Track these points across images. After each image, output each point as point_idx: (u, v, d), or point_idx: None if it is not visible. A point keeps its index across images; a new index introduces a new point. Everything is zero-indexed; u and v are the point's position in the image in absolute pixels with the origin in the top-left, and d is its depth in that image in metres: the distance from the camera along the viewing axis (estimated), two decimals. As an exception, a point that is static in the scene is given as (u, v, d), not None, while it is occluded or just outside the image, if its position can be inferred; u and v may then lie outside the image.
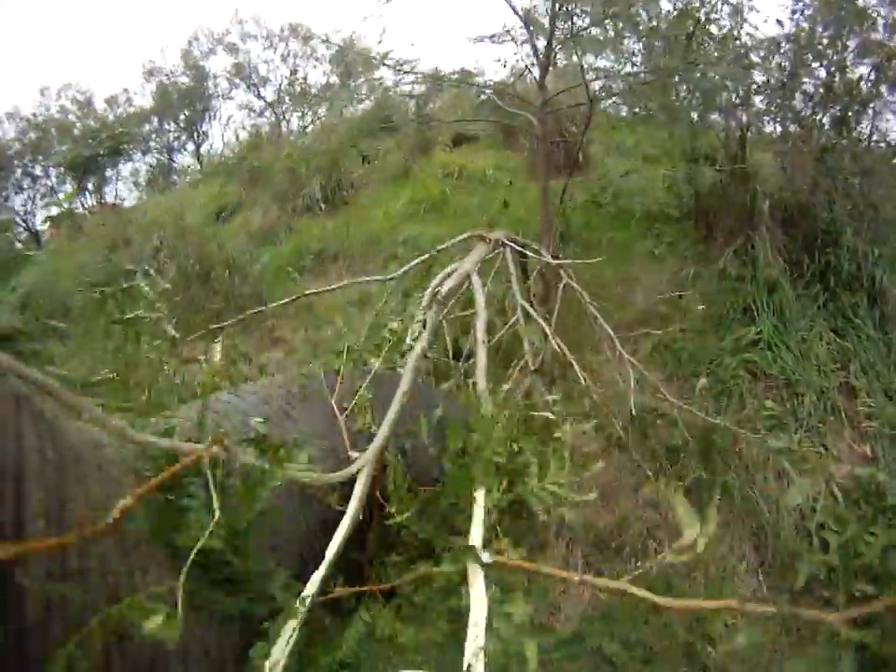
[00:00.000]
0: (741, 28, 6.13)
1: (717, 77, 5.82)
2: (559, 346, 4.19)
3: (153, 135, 15.81)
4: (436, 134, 8.99)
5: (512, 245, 4.71)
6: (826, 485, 5.06)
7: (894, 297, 6.18)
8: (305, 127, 13.79)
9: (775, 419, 5.20)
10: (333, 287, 4.54)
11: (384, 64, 6.82)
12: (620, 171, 7.81)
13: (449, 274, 3.72)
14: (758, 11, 6.09)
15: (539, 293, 5.79)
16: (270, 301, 6.65)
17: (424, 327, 2.95)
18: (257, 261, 7.16)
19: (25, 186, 14.94)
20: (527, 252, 4.86)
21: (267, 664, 1.12)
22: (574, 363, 4.04)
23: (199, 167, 15.58)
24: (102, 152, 13.50)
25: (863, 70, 6.21)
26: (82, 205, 14.41)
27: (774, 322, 5.65)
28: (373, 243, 7.58)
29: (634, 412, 4.54)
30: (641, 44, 6.50)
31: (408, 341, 3.22)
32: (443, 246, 4.20)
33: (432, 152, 8.86)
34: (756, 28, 6.16)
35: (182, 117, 16.04)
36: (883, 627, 1.35)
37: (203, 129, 16.36)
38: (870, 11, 5.87)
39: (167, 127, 16.22)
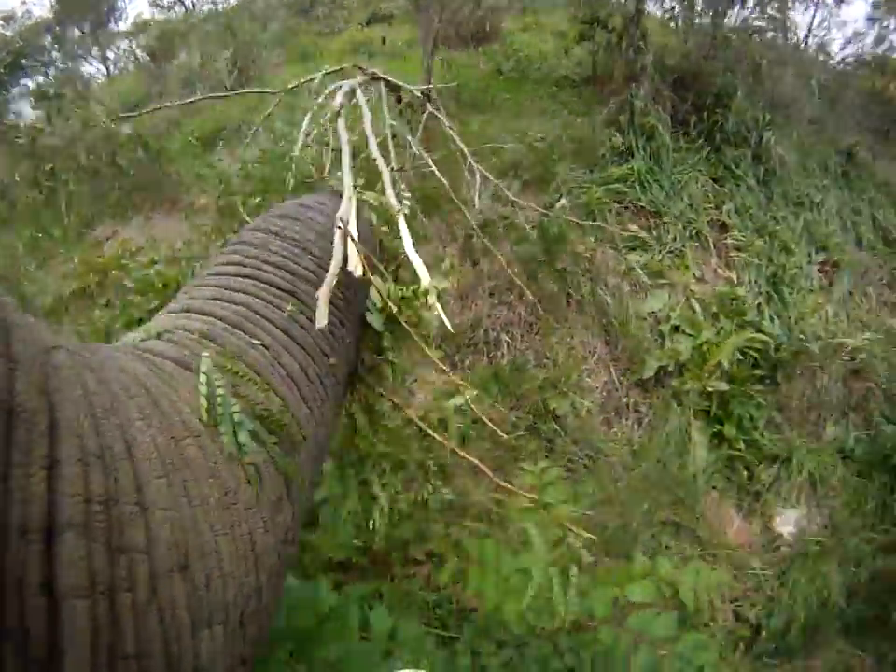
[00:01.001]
0: None
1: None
2: (420, 152, 4.28)
3: (55, 45, 14.32)
4: (349, 14, 9.16)
5: (387, 78, 4.86)
6: (686, 299, 5.19)
7: (779, 156, 6.29)
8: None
9: (637, 240, 5.36)
10: (230, 94, 4.77)
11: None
12: (525, 42, 8.02)
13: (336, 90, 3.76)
14: None
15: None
16: (180, 175, 6.92)
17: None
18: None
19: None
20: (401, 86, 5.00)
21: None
22: (434, 169, 4.11)
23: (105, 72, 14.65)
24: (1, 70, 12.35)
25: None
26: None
27: (650, 164, 5.74)
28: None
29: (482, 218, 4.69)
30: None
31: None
32: (329, 71, 4.31)
33: (344, 31, 9.03)
34: None
35: (87, 23, 14.46)
36: None
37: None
38: None
39: (71, 35, 14.92)
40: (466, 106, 6.84)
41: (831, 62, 9.83)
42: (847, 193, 7.15)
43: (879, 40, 10.18)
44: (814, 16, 10.76)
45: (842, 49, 10.35)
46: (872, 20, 9.87)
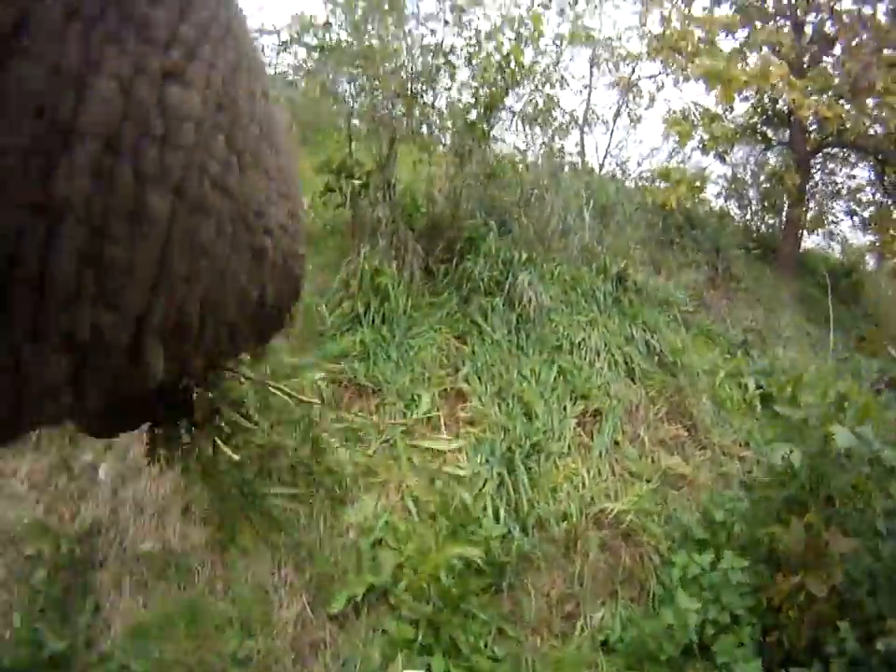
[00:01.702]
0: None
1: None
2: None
3: None
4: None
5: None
6: (401, 499, 4.75)
7: (533, 299, 6.03)
8: None
9: (350, 431, 4.88)
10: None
11: None
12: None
13: None
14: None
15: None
16: None
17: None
18: None
19: None
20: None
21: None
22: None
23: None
24: None
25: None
26: None
27: (381, 332, 5.33)
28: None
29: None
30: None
31: None
32: None
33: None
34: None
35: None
36: None
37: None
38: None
39: None
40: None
41: (627, 182, 10.06)
42: (617, 322, 6.98)
43: (674, 153, 10.57)
44: (611, 137, 11.15)
45: (639, 164, 10.71)
46: (667, 136, 10.15)
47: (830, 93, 10.18)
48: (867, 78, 9.42)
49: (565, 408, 5.92)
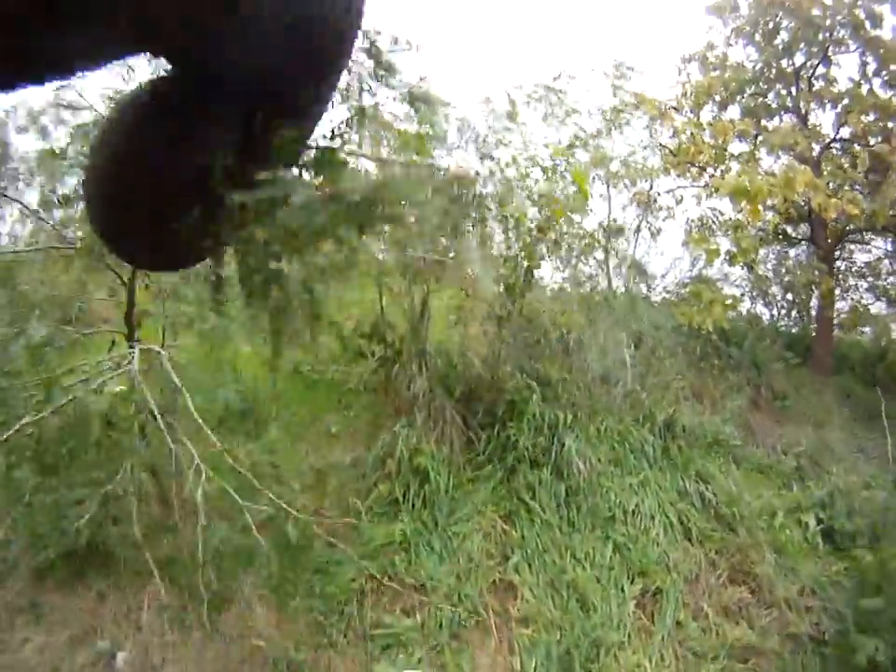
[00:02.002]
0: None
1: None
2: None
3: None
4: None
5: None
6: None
7: (581, 468, 5.58)
8: None
9: (394, 637, 4.39)
10: None
11: None
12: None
13: None
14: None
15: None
16: None
17: None
18: None
19: None
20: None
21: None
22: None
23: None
24: None
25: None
26: None
27: (422, 519, 4.89)
28: None
29: None
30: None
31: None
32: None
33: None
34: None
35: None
36: None
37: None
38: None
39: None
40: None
41: (654, 298, 9.84)
42: (669, 476, 6.53)
43: (695, 262, 10.37)
44: (633, 254, 11.02)
45: (662, 277, 10.50)
46: (686, 244, 10.00)
47: (848, 187, 10.08)
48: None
49: (622, 589, 5.41)
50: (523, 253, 5.82)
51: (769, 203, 10.55)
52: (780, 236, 12.24)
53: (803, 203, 10.73)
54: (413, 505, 5.21)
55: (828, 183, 9.82)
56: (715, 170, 10.98)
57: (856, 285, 13.60)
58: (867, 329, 13.51)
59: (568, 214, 5.74)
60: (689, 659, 5.26)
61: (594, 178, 8.99)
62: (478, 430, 5.86)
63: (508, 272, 5.78)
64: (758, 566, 6.15)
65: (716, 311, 8.94)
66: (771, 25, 11.66)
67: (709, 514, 6.49)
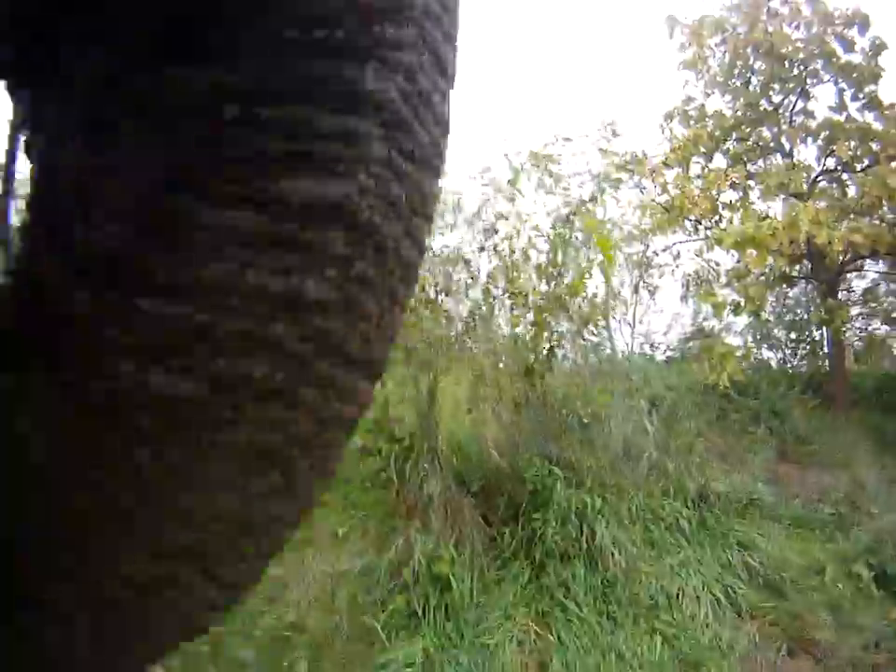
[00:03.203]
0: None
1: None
2: None
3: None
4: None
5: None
6: None
7: (616, 558, 5.03)
8: None
9: None
10: None
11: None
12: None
13: None
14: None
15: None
16: None
17: None
18: None
19: None
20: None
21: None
22: None
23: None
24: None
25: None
26: None
27: (445, 633, 4.38)
28: None
29: None
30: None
31: None
32: None
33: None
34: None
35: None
36: None
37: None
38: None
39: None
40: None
41: (658, 356, 9.57)
42: (709, 550, 6.02)
43: (695, 316, 10.15)
44: (634, 313, 10.81)
45: (665, 334, 10.26)
46: (684, 297, 9.79)
47: (845, 218, 9.85)
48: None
49: (674, 684, 4.83)
50: (543, 334, 5.46)
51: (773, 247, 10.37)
52: (782, 278, 12.00)
53: (803, 243, 10.54)
54: (435, 617, 4.68)
55: (828, 218, 9.58)
56: (710, 221, 10.82)
57: (859, 313, 13.33)
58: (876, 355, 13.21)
59: (588, 282, 5.40)
60: None
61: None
62: (500, 526, 5.38)
63: (526, 353, 5.42)
64: (816, 630, 5.63)
65: (730, 365, 8.58)
66: (745, 69, 11.70)
67: (757, 584, 6.01)
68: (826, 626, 5.64)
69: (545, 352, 5.38)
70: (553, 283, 5.67)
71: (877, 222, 9.61)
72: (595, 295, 6.44)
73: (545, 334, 5.40)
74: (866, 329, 13.13)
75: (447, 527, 5.06)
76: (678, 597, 5.42)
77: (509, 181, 6.05)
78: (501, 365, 5.66)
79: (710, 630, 5.32)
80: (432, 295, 5.82)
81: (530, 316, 5.65)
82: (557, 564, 5.16)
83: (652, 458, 6.46)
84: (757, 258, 8.65)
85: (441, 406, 5.61)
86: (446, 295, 5.97)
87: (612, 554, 5.23)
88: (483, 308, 5.73)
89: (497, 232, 5.94)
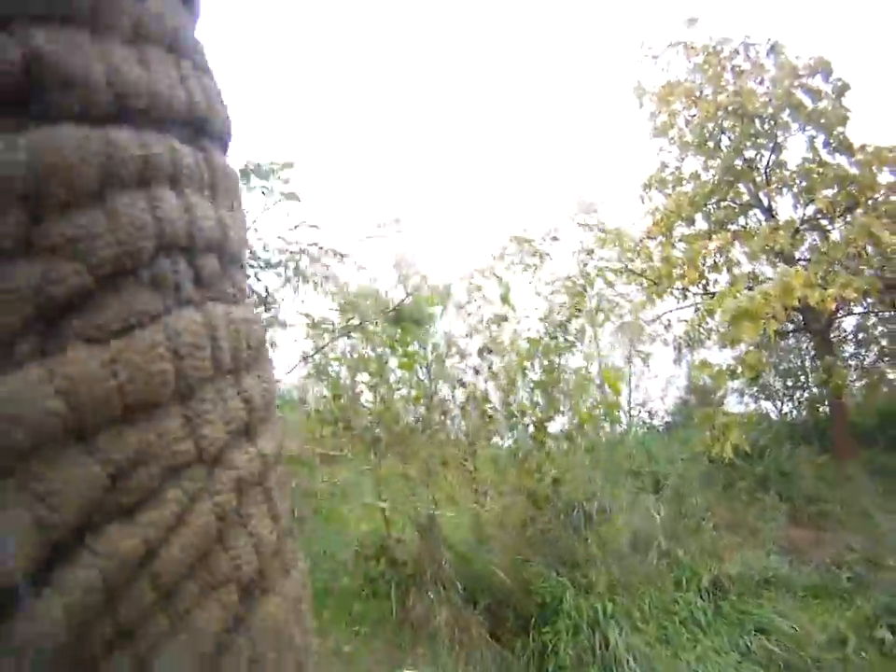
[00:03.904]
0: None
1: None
2: None
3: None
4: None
5: None
6: None
7: (629, 661, 4.87)
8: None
9: None
10: None
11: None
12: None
13: None
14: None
15: None
16: None
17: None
18: None
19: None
20: None
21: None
22: None
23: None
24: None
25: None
26: None
27: None
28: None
29: None
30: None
31: None
32: None
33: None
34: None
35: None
36: None
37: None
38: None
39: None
40: None
41: (656, 422, 9.51)
42: (725, 639, 5.84)
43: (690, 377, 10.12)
44: (629, 382, 10.81)
45: (662, 398, 10.22)
46: (677, 361, 9.77)
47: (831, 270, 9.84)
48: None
49: None
50: (550, 464, 5.42)
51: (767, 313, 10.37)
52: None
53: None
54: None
55: (816, 273, 9.59)
56: (698, 287, 10.88)
57: (854, 353, 13.26)
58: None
59: (599, 417, 5.40)
60: None
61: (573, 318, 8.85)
62: (511, 640, 5.24)
63: (532, 483, 5.37)
64: None
65: (733, 435, 8.47)
66: (716, 130, 11.88)
67: (778, 667, 5.73)
68: None
69: (550, 481, 5.32)
70: (551, 394, 5.67)
71: (864, 269, 9.58)
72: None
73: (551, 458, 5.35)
74: (861, 365, 13.02)
75: (454, 646, 4.93)
76: (700, 698, 5.23)
77: (501, 296, 6.12)
78: (504, 487, 5.61)
79: (738, 729, 5.13)
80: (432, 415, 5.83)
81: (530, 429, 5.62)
82: (572, 676, 5.01)
83: (662, 547, 6.33)
84: (751, 328, 8.61)
85: (443, 527, 5.54)
86: (443, 415, 5.98)
87: (627, 661, 5.06)
88: (481, 430, 5.72)
89: (490, 352, 5.96)
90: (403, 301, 5.70)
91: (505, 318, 5.76)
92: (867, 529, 8.56)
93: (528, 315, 6.52)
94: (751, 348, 9.44)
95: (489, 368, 5.60)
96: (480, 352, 5.68)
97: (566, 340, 5.83)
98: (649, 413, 10.55)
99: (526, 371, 5.61)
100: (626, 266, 10.43)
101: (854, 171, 10.50)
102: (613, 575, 5.73)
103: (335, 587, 6.36)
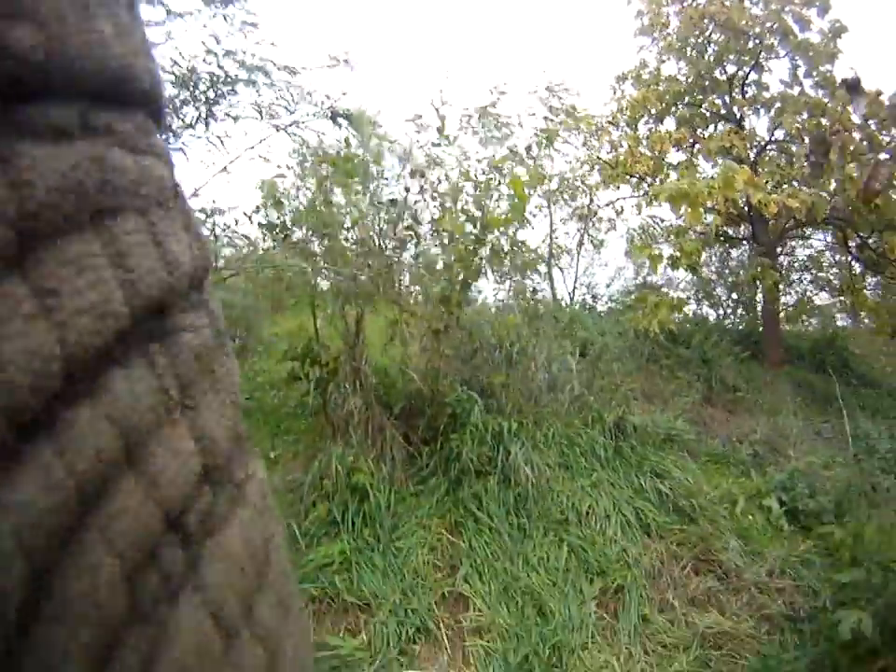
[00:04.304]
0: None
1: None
2: None
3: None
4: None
5: None
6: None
7: (529, 476, 5.23)
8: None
9: (339, 658, 4.02)
10: None
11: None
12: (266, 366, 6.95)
13: None
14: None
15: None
16: None
17: None
18: None
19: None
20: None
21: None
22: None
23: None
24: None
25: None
26: None
27: (363, 538, 4.56)
28: None
29: None
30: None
31: None
32: None
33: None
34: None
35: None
36: None
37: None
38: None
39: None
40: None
41: (599, 307, 9.75)
42: (622, 475, 6.26)
43: (640, 270, 10.33)
44: (577, 267, 10.97)
45: (607, 287, 10.44)
46: (629, 254, 9.91)
47: (790, 185, 10.04)
48: (872, 189, 9.23)
49: (581, 590, 5.05)
50: (459, 265, 5.59)
51: (710, 205, 10.57)
52: (722, 238, 12.21)
53: (742, 204, 10.75)
54: (353, 524, 4.87)
55: (766, 182, 9.76)
56: (654, 179, 10.98)
57: (799, 278, 13.67)
58: (813, 321, 13.57)
59: (505, 222, 5.52)
60: (659, 652, 4.87)
61: (531, 194, 8.90)
62: (420, 445, 5.56)
63: (443, 285, 5.55)
64: (722, 553, 5.86)
65: (661, 313, 8.79)
66: (701, 39, 11.74)
67: (667, 509, 6.18)
68: (733, 551, 5.87)
69: (460, 282, 5.50)
70: (478, 223, 5.78)
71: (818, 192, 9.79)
72: (526, 242, 6.61)
73: (465, 267, 5.51)
74: (804, 293, 13.49)
75: (367, 444, 5.23)
76: (588, 515, 5.65)
77: (437, 128, 6.14)
78: (422, 297, 5.80)
79: (618, 545, 5.56)
80: (363, 235, 5.92)
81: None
82: (472, 479, 5.37)
83: (574, 392, 6.67)
84: (692, 214, 8.78)
85: (367, 335, 5.75)
86: (380, 235, 6.10)
87: (525, 473, 5.43)
88: (411, 246, 5.84)
89: (423, 176, 6.02)
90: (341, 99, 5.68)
91: (439, 144, 5.80)
92: (775, 423, 9.08)
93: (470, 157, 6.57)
94: (693, 237, 9.72)
95: (420, 188, 5.69)
96: (413, 173, 5.74)
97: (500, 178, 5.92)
98: (593, 296, 10.82)
99: (459, 198, 5.71)
100: (588, 148, 10.50)
101: (830, 103, 10.55)
102: (523, 404, 6.05)
103: (267, 405, 6.67)
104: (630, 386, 7.70)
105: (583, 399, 6.71)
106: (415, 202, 5.86)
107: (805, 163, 10.04)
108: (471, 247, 5.37)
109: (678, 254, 9.85)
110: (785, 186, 10.23)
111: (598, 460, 6.21)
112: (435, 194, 5.87)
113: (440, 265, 5.59)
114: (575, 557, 5.29)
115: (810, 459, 7.91)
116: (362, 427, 5.24)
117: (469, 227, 5.70)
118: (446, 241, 5.56)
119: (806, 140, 10.60)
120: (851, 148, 9.55)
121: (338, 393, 5.43)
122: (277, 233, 5.64)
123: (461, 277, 5.42)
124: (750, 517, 6.51)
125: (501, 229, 5.98)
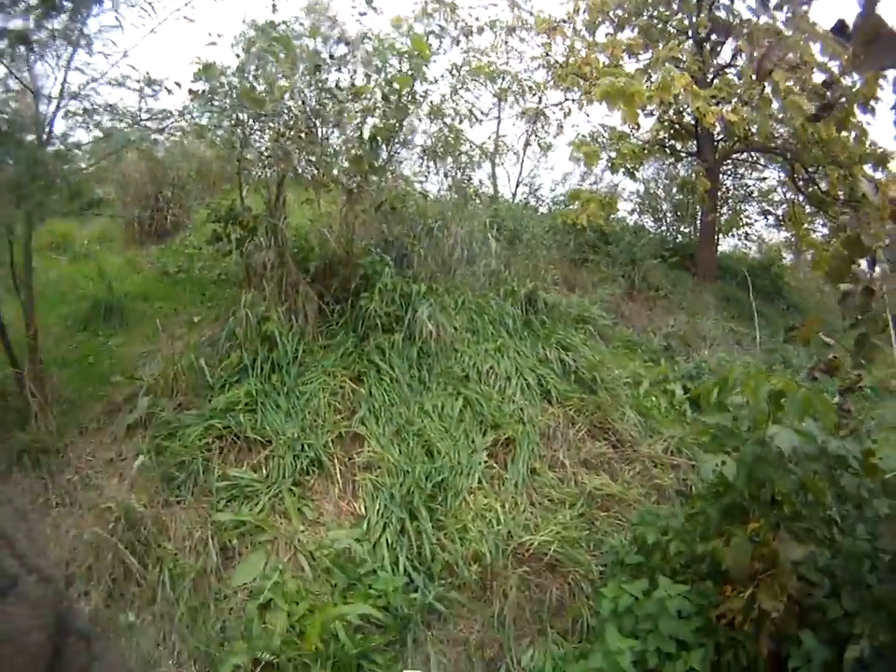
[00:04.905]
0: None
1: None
2: None
3: None
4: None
5: None
6: (293, 554, 4.18)
7: (432, 332, 5.45)
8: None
9: (236, 489, 4.34)
10: None
11: None
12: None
13: None
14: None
15: None
16: None
17: None
18: None
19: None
20: None
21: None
22: None
23: None
24: None
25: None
26: None
27: (270, 382, 4.81)
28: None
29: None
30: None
31: None
32: None
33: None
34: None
35: None
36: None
37: None
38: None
39: None
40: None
41: (541, 208, 9.81)
42: (529, 345, 6.52)
43: (585, 177, 10.37)
44: (521, 167, 10.91)
45: (552, 190, 10.48)
46: (577, 159, 9.91)
47: (734, 101, 10.04)
48: (764, 67, 9.23)
49: (473, 441, 5.36)
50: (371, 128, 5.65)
51: (649, 109, 10.53)
52: (667, 150, 12.21)
53: (688, 116, 10.73)
54: (262, 369, 5.13)
55: (713, 97, 9.69)
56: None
57: (746, 209, 13.74)
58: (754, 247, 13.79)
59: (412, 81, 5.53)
60: (545, 505, 5.11)
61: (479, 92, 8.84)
62: (332, 304, 5.79)
63: (352, 145, 5.63)
64: (619, 423, 6.08)
65: (591, 208, 8.94)
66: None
67: (570, 379, 6.35)
68: (630, 423, 6.14)
69: (368, 143, 5.58)
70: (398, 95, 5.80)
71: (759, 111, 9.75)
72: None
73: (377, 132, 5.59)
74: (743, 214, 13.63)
75: (281, 297, 5.44)
76: (488, 374, 5.94)
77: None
78: (343, 161, 5.88)
79: (515, 405, 5.85)
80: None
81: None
82: (378, 335, 5.63)
83: (491, 267, 6.88)
84: (628, 112, 8.81)
85: (288, 199, 5.86)
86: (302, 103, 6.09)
87: (430, 331, 5.67)
88: (331, 114, 5.85)
89: (348, 43, 5.96)
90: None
91: (365, 13, 5.74)
92: (693, 323, 9.36)
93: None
94: (633, 140, 9.81)
95: (343, 57, 5.67)
96: (338, 41, 5.71)
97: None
98: (536, 198, 10.92)
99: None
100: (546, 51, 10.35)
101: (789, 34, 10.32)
102: (436, 271, 6.27)
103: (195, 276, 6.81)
104: (552, 273, 7.90)
105: (500, 276, 6.92)
106: (337, 67, 5.82)
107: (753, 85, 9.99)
108: (381, 108, 5.44)
109: (617, 157, 9.96)
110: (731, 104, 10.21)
111: (506, 329, 6.44)
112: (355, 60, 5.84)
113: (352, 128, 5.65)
114: (471, 410, 5.58)
115: (721, 356, 8.21)
116: (276, 280, 5.44)
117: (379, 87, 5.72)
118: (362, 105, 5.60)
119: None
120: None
121: (255, 249, 5.58)
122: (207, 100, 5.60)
123: (368, 136, 5.50)
124: (654, 398, 6.76)
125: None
